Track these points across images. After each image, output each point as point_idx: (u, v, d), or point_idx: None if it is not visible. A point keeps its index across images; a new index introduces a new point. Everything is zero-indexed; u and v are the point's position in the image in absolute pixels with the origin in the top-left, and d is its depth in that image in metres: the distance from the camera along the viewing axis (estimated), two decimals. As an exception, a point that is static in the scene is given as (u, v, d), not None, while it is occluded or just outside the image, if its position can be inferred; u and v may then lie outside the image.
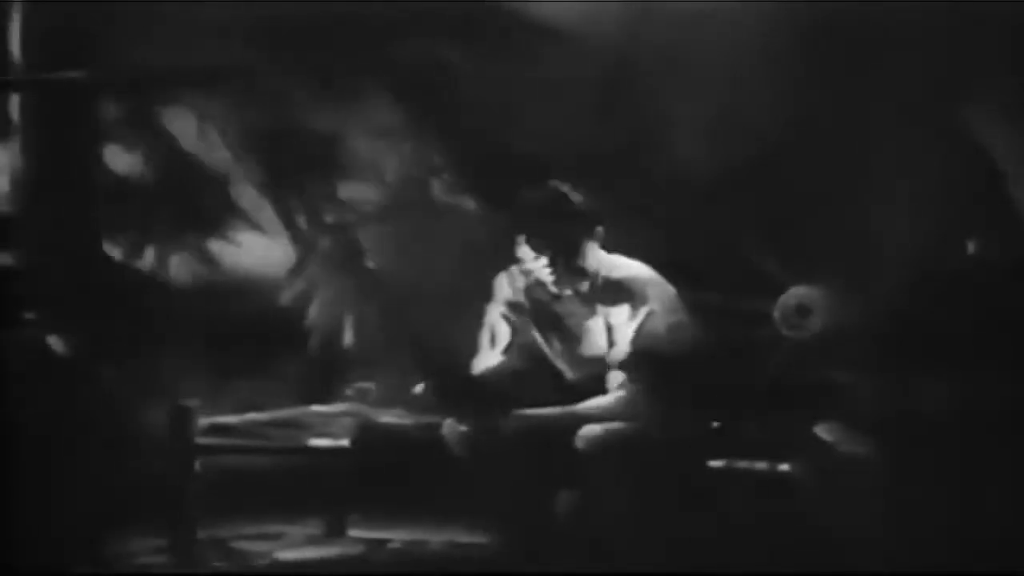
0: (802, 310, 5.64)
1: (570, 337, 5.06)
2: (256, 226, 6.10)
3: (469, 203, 6.09)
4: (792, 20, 5.63)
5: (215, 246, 6.17)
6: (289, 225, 5.99)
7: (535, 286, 5.07)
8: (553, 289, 5.03)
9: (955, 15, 5.47)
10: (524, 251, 4.99)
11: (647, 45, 5.87)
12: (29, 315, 5.16)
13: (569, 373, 5.09)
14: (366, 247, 6.06)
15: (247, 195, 6.15)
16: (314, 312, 5.65)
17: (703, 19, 5.74)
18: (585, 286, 5.02)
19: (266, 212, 6.14)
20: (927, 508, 4.94)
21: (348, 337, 5.01)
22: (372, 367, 6.05)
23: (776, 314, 5.67)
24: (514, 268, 5.11)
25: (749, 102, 5.71)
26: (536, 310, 5.10)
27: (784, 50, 5.65)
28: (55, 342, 5.17)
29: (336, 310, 5.71)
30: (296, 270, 5.56)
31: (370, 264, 6.02)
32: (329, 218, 6.09)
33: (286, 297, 5.32)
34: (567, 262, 4.98)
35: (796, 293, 5.67)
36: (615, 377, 4.96)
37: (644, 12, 5.83)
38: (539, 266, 4.99)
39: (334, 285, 5.37)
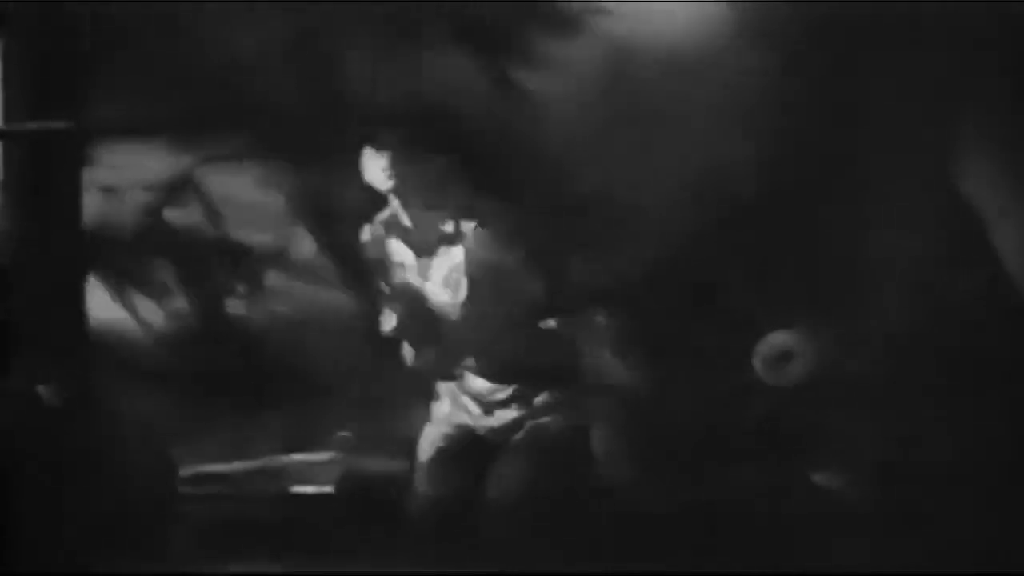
0: (784, 356, 5.67)
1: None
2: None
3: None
4: (779, 60, 5.65)
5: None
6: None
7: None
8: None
9: (938, 57, 5.51)
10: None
11: (633, 82, 5.87)
12: (18, 364, 5.16)
13: None
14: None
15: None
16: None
17: (689, 59, 5.76)
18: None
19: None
20: (929, 552, 4.97)
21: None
22: (358, 412, 6.05)
23: (758, 360, 5.69)
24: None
25: (733, 145, 5.71)
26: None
27: (768, 92, 5.67)
28: (44, 391, 5.17)
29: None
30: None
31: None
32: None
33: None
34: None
35: (777, 339, 5.69)
36: None
37: (629, 52, 5.84)
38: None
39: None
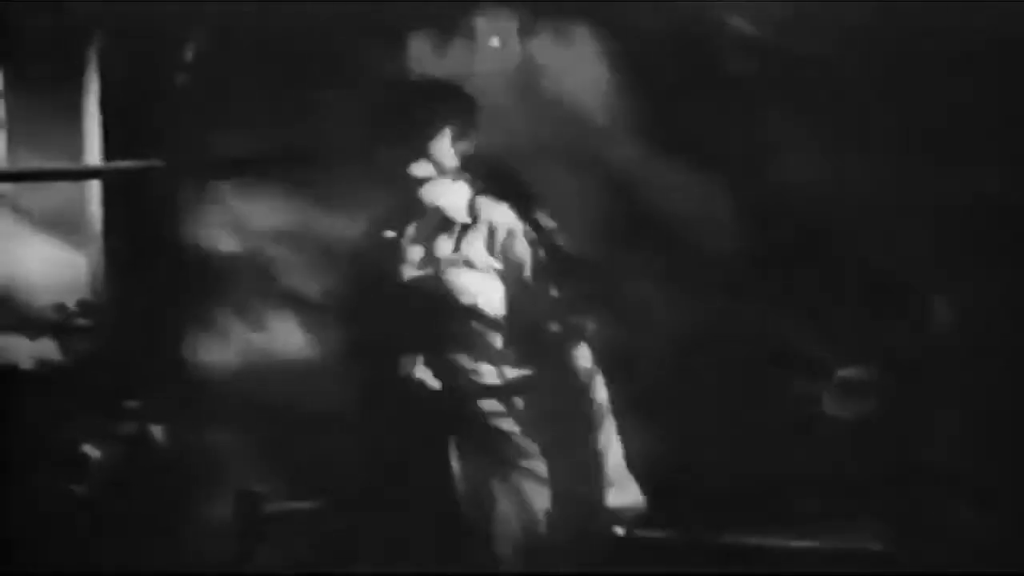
0: (853, 391, 5.75)
1: None
2: None
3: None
4: (834, 94, 5.69)
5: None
6: None
7: None
8: None
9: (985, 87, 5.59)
10: None
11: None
12: (131, 404, 5.17)
13: None
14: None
15: None
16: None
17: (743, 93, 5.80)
18: None
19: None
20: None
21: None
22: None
23: (826, 396, 5.77)
24: None
25: (793, 178, 5.67)
26: None
27: (830, 125, 5.64)
28: (157, 431, 5.17)
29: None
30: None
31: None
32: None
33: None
34: None
35: (846, 374, 5.77)
36: None
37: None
38: None
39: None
